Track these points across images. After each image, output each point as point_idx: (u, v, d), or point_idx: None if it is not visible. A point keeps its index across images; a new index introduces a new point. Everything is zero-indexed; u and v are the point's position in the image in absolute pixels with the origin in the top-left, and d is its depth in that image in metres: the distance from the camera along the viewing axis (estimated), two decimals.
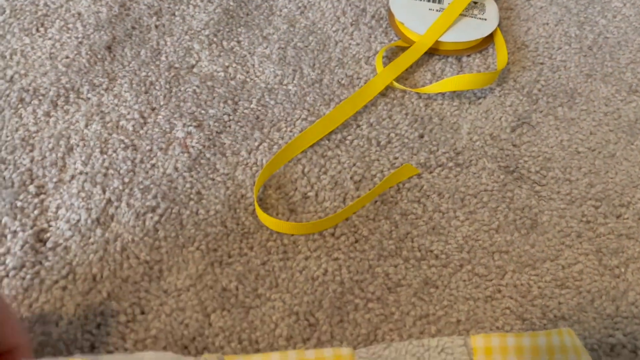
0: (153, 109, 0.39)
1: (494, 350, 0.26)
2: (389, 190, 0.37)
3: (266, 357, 0.25)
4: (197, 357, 0.24)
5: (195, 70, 0.42)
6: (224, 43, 0.44)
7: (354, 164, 0.38)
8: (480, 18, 0.46)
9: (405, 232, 0.35)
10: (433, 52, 0.45)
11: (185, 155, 0.37)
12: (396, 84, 0.42)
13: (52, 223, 0.33)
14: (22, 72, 0.40)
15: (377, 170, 0.38)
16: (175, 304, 0.31)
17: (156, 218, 0.34)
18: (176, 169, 0.37)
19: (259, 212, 0.34)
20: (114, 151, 0.37)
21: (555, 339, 0.26)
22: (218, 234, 0.34)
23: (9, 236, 0.33)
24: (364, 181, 0.37)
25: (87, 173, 0.36)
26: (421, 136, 0.40)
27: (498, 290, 0.33)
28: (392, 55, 0.45)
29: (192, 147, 0.38)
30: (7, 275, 0.31)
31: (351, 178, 0.37)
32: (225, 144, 0.38)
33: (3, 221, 0.33)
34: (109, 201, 0.35)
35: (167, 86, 0.41)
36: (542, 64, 0.45)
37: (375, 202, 0.36)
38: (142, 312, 0.31)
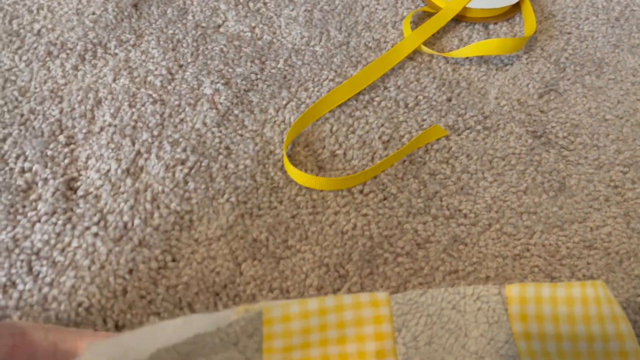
0: (180, 66, 0.39)
1: (529, 300, 0.26)
2: (417, 151, 0.37)
3: (304, 302, 0.25)
4: (233, 309, 0.24)
5: (221, 29, 0.42)
6: (250, 4, 0.44)
7: (382, 125, 0.38)
8: None
9: (434, 191, 0.35)
10: (460, 18, 0.45)
11: (214, 111, 0.37)
12: (424, 48, 0.42)
13: (82, 172, 0.33)
14: (49, 26, 0.40)
15: (405, 131, 0.38)
16: (206, 253, 0.31)
17: (186, 170, 0.34)
18: (205, 124, 0.36)
19: (288, 167, 0.34)
20: (142, 105, 0.37)
21: (589, 290, 0.26)
22: (247, 188, 0.34)
23: (39, 183, 0.33)
24: (392, 141, 0.37)
25: (116, 125, 0.36)
26: (449, 99, 0.40)
27: (527, 249, 0.33)
28: (418, 20, 0.45)
29: (220, 103, 0.38)
30: (39, 221, 0.31)
31: (379, 138, 0.37)
32: (253, 101, 0.38)
33: (34, 169, 0.33)
34: (139, 153, 0.35)
35: (194, 44, 0.41)
36: (569, 33, 0.45)
37: (404, 161, 0.36)
38: (174, 260, 0.31)
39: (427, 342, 0.25)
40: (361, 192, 0.35)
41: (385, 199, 0.34)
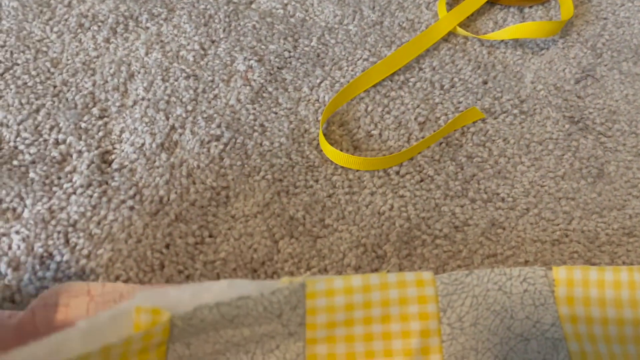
0: (213, 42, 0.39)
1: (576, 283, 0.26)
2: (454, 133, 0.36)
3: (347, 278, 0.25)
4: (277, 279, 0.24)
5: (253, 6, 0.41)
6: None
7: (418, 106, 0.37)
8: None
9: (471, 174, 0.34)
10: (495, 1, 0.44)
11: (247, 88, 0.37)
12: (459, 30, 0.41)
13: (117, 146, 0.33)
14: None
15: (441, 113, 0.37)
16: (243, 229, 0.31)
17: (221, 147, 0.34)
18: (239, 100, 0.36)
19: (324, 145, 0.34)
20: (176, 80, 0.36)
21: (637, 275, 0.26)
22: (283, 165, 0.33)
23: (74, 155, 0.32)
24: (428, 123, 0.37)
25: (149, 99, 0.35)
26: (485, 82, 0.39)
27: (565, 235, 0.33)
28: (452, 2, 0.44)
29: (254, 80, 0.37)
30: (74, 193, 0.31)
31: (415, 119, 0.37)
32: (286, 79, 0.37)
33: (68, 140, 0.33)
34: (173, 128, 0.34)
35: (227, 20, 0.40)
36: (605, 19, 0.44)
37: (440, 143, 0.36)
38: (211, 235, 0.30)
39: (472, 323, 0.25)
40: (397, 173, 0.34)
41: (422, 180, 0.34)
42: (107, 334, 0.21)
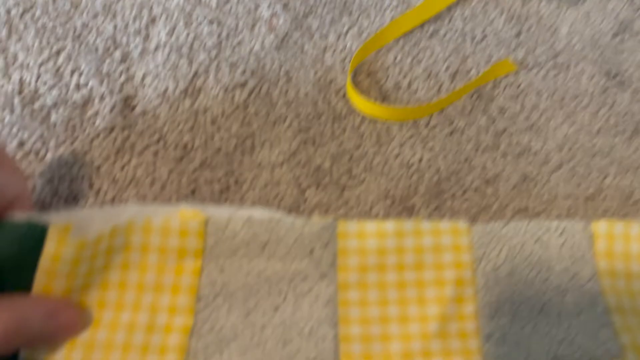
0: None
1: (616, 237, 0.25)
2: (485, 86, 0.35)
3: (381, 225, 0.24)
4: (307, 218, 0.23)
5: None
6: None
7: (448, 57, 0.36)
8: None
9: (503, 128, 0.33)
10: None
11: (272, 35, 0.35)
12: None
13: (139, 90, 0.32)
14: None
15: (472, 64, 0.36)
16: (269, 178, 0.30)
17: (245, 94, 0.33)
18: (263, 47, 0.35)
19: (352, 95, 0.33)
20: (199, 25, 0.35)
21: None
22: (309, 115, 0.32)
23: (96, 99, 0.31)
24: (459, 74, 0.35)
25: (172, 44, 0.34)
26: (518, 34, 0.37)
27: (599, 191, 0.32)
28: None
29: (279, 27, 0.36)
30: (97, 137, 0.30)
31: (445, 70, 0.35)
32: (312, 26, 0.36)
33: (90, 84, 0.32)
34: (196, 74, 0.33)
35: None
36: None
37: (471, 95, 0.34)
38: (236, 183, 0.30)
39: (508, 274, 0.24)
40: (427, 125, 0.33)
41: (452, 132, 0.33)
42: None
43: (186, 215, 0.22)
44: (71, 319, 0.20)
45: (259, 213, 0.23)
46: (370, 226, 0.24)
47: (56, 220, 0.22)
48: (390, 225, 0.24)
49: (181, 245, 0.23)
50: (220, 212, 0.23)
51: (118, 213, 0.23)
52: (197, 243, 0.23)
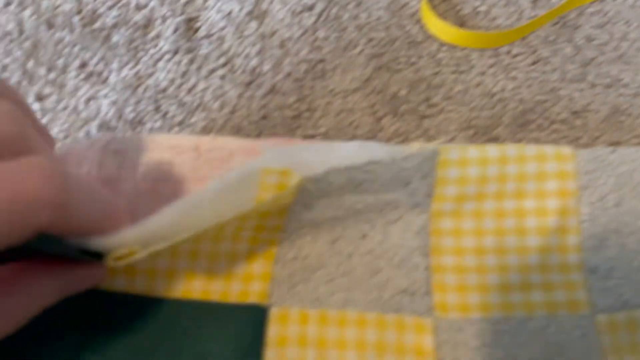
0: None
1: None
2: (570, 13, 0.32)
3: (483, 149, 0.22)
4: (407, 145, 0.21)
5: None
6: None
7: None
8: None
9: (591, 58, 0.31)
10: None
11: None
12: None
13: (202, 12, 0.30)
14: None
15: None
16: (342, 105, 0.28)
17: (314, 18, 0.30)
18: None
19: (429, 19, 0.30)
20: None
21: None
22: (382, 40, 0.30)
23: (158, 20, 0.29)
24: (541, 1, 0.32)
25: None
26: None
27: None
28: None
29: None
30: (161, 59, 0.28)
31: None
32: None
33: (150, 5, 0.30)
34: None
35: None
36: None
37: (555, 23, 0.32)
38: (308, 109, 0.28)
39: (615, 203, 0.22)
40: (508, 53, 0.31)
41: (536, 62, 0.30)
42: (235, 199, 0.19)
43: (273, 182, 0.19)
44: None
45: (358, 152, 0.20)
46: (473, 152, 0.22)
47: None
48: (493, 151, 0.22)
49: (268, 211, 0.21)
50: (313, 158, 0.20)
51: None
52: (288, 202, 0.21)
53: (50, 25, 0.29)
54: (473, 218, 0.22)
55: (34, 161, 0.12)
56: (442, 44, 0.31)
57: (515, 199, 0.22)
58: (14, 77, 0.27)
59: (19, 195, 0.12)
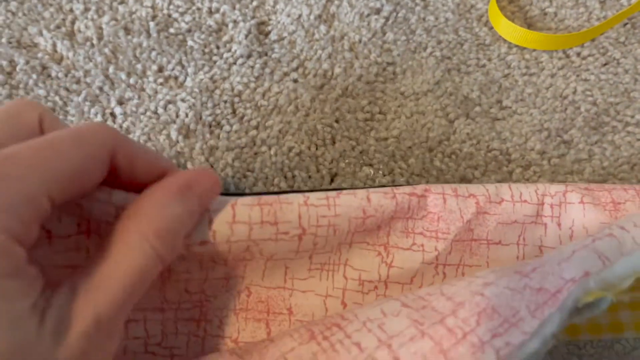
0: None
1: None
2: (639, 14, 0.32)
3: None
4: None
5: None
6: None
7: None
8: None
9: None
10: None
11: None
12: None
13: (272, 16, 0.31)
14: None
15: None
16: (414, 107, 0.28)
17: (382, 20, 0.31)
18: None
19: (498, 21, 0.30)
20: None
21: None
22: (451, 42, 0.30)
23: (230, 25, 0.30)
24: (609, 2, 0.32)
25: None
26: None
27: None
28: None
29: None
30: (235, 63, 0.29)
31: None
32: None
33: (222, 9, 0.30)
34: None
35: None
36: None
37: (625, 24, 0.31)
38: (380, 112, 0.28)
39: None
40: (578, 54, 0.30)
41: (607, 63, 0.30)
42: None
43: None
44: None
45: None
46: None
47: None
48: None
49: None
50: None
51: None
52: None
53: (127, 30, 0.29)
54: None
55: (88, 123, 0.16)
56: (511, 46, 0.30)
57: None
58: (96, 82, 0.28)
59: (92, 130, 0.15)
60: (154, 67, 0.28)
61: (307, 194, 0.20)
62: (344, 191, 0.20)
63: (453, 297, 0.17)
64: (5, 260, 0.12)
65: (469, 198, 0.22)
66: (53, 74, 0.28)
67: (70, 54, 0.28)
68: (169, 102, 0.28)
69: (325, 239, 0.20)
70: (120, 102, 0.28)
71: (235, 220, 0.18)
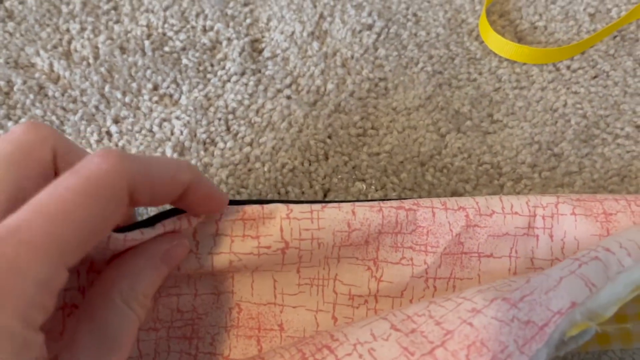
0: None
1: None
2: (629, 26, 0.32)
3: None
4: None
5: None
6: None
7: None
8: None
9: None
10: None
11: None
12: None
13: (266, 34, 0.31)
14: None
15: (612, 4, 0.33)
16: (406, 122, 0.29)
17: (374, 36, 0.31)
18: None
19: (488, 35, 0.31)
20: None
21: None
22: (442, 57, 0.31)
23: (224, 43, 0.30)
24: (599, 15, 0.32)
25: None
26: None
27: None
28: None
29: None
30: (229, 80, 0.29)
31: (584, 10, 0.33)
32: None
33: (216, 27, 0.31)
34: (322, 16, 0.32)
35: None
36: None
37: (614, 37, 0.32)
38: (373, 127, 0.29)
39: None
40: (568, 67, 0.31)
41: (596, 76, 0.31)
42: None
43: None
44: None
45: None
46: None
47: None
48: None
49: None
50: None
51: None
52: None
53: (123, 49, 0.30)
54: None
55: (98, 151, 0.15)
56: (501, 60, 0.31)
57: None
58: (92, 101, 0.28)
59: (109, 175, 0.14)
60: (149, 86, 0.29)
61: (291, 206, 0.20)
62: (329, 204, 0.21)
63: (441, 322, 0.17)
64: (27, 354, 0.12)
65: (458, 211, 0.22)
66: (50, 93, 0.28)
67: (67, 74, 0.29)
68: (164, 120, 0.28)
69: (309, 252, 0.21)
70: (116, 121, 0.28)
71: (218, 233, 0.19)
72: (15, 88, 0.28)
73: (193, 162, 0.27)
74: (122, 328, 0.16)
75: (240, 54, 0.30)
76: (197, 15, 0.31)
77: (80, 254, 0.14)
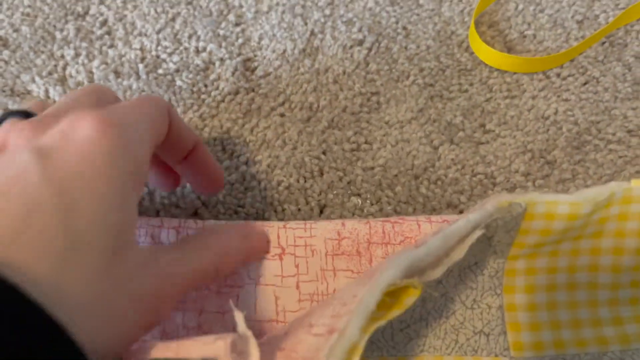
0: None
1: None
2: (617, 32, 0.33)
3: (576, 206, 0.20)
4: (495, 199, 0.20)
5: None
6: None
7: (574, 3, 0.33)
8: None
9: None
10: None
11: None
12: None
13: (258, 52, 0.31)
14: None
15: (600, 10, 0.33)
16: (399, 135, 0.29)
17: (365, 52, 0.31)
18: (377, 3, 0.33)
19: (478, 46, 0.31)
20: None
21: None
22: (433, 69, 0.31)
23: (217, 63, 0.31)
24: (587, 21, 0.33)
25: (284, 4, 0.33)
26: None
27: None
28: None
29: None
30: (223, 100, 0.30)
31: (572, 17, 0.33)
32: None
33: (208, 48, 0.31)
34: (313, 33, 0.32)
35: None
36: None
37: (603, 43, 0.32)
38: (366, 142, 0.29)
39: None
40: (558, 75, 0.31)
41: (586, 82, 0.31)
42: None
43: None
44: (261, 241, 0.23)
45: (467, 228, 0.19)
46: (563, 208, 0.20)
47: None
48: (587, 207, 0.20)
49: None
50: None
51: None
52: None
53: (117, 73, 0.30)
54: (548, 257, 0.23)
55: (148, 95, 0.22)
56: (492, 70, 0.31)
57: (592, 238, 0.22)
58: None
59: (155, 98, 0.20)
60: None
61: (287, 222, 0.24)
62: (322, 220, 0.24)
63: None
64: (144, 166, 0.18)
65: (442, 223, 0.22)
66: None
67: None
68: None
69: (305, 260, 0.22)
70: None
71: None
72: None
73: (188, 184, 0.27)
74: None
75: (233, 73, 0.30)
76: (190, 36, 0.32)
77: (154, 138, 0.19)
